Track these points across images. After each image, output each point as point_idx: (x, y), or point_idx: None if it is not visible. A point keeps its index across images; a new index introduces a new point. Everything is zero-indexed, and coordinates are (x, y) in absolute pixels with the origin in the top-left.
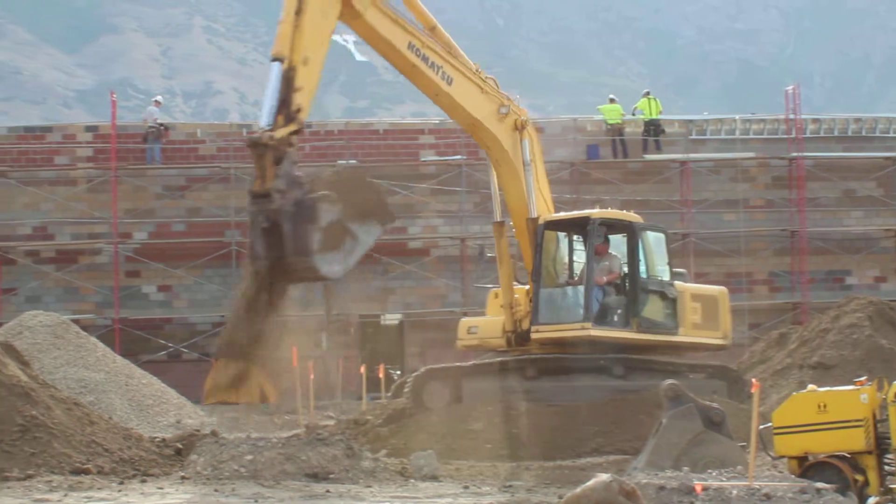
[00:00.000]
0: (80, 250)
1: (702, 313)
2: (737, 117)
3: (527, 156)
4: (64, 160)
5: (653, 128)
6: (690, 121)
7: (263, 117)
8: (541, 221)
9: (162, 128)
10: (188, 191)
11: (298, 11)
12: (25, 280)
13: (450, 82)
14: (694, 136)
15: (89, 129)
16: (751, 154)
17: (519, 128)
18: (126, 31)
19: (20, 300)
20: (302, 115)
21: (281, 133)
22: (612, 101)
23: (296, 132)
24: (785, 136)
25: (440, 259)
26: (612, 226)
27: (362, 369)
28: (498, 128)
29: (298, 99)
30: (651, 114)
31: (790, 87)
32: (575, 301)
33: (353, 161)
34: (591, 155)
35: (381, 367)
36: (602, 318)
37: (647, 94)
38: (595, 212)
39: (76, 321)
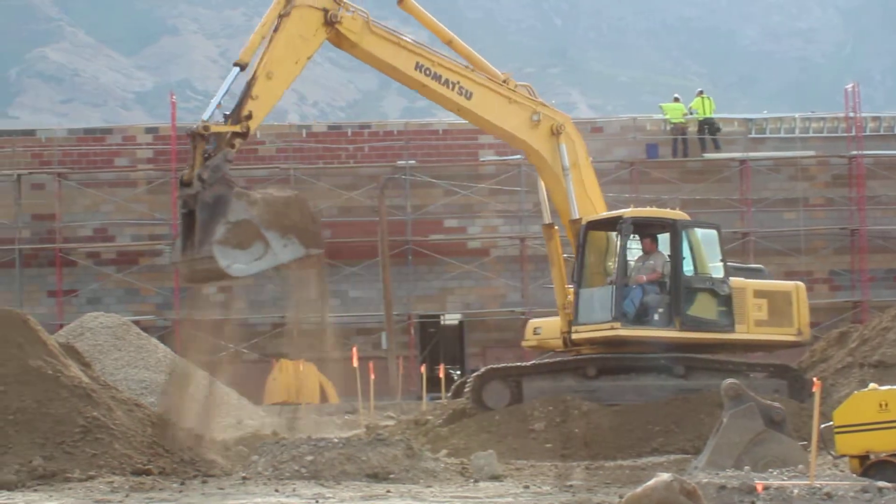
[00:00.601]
0: (140, 252)
1: (769, 309)
2: (796, 116)
3: (565, 161)
4: (124, 162)
5: (707, 126)
6: (750, 119)
7: (206, 111)
8: (583, 222)
9: None
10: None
11: (277, 28)
12: (86, 282)
13: (469, 97)
14: (753, 135)
15: (149, 130)
16: (810, 152)
17: (555, 133)
18: (185, 32)
19: (81, 302)
20: (251, 123)
21: (217, 128)
22: (675, 99)
23: (239, 135)
24: (844, 135)
25: (500, 259)
26: (652, 224)
27: (422, 369)
28: (531, 136)
29: (251, 106)
30: (705, 112)
31: (850, 85)
32: (607, 301)
33: (413, 162)
34: (651, 154)
35: (442, 367)
36: (641, 316)
37: (701, 92)
38: (628, 211)
39: (136, 322)
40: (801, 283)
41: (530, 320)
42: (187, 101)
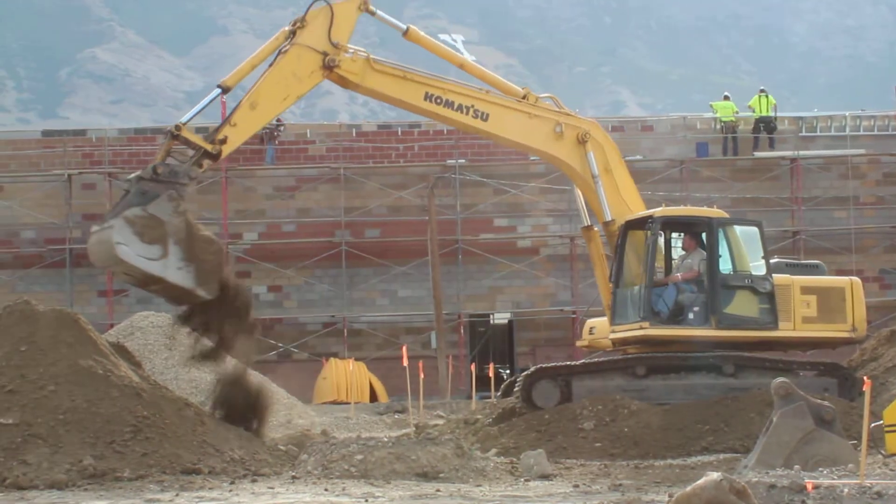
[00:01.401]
0: None
1: (819, 306)
2: (847, 114)
3: (594, 168)
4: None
5: (763, 125)
6: (800, 118)
7: (185, 116)
8: (621, 222)
9: (281, 127)
10: (298, 191)
11: (272, 63)
12: None
13: (486, 118)
14: (804, 133)
15: (199, 130)
16: (861, 151)
17: (581, 141)
18: (235, 32)
19: (131, 301)
20: (224, 147)
21: (187, 134)
22: (726, 98)
23: (209, 156)
24: (895, 133)
25: (549, 258)
26: (688, 223)
27: (472, 368)
28: (557, 148)
29: (228, 131)
30: (762, 111)
31: None
32: (636, 300)
33: (463, 161)
34: (701, 153)
35: (491, 367)
36: (675, 315)
37: (763, 91)
38: (658, 210)
39: None
40: (856, 279)
41: (588, 320)
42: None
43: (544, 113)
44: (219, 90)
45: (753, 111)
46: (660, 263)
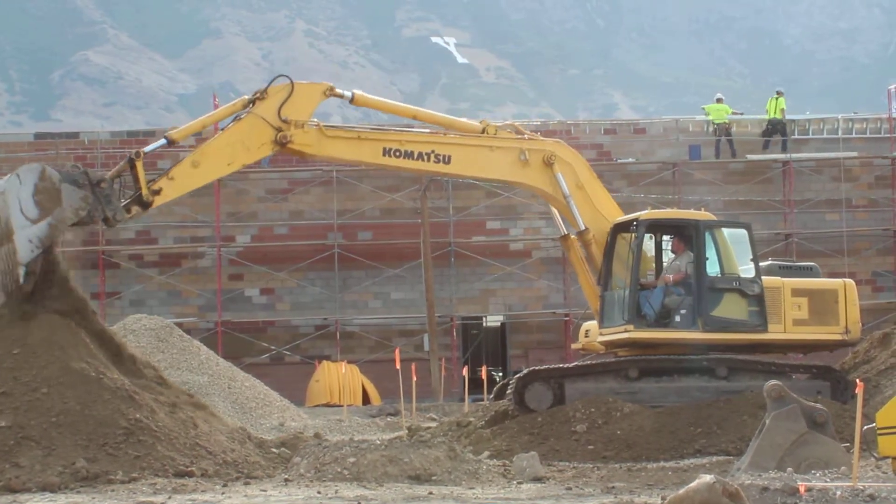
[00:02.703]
0: (183, 254)
1: (810, 308)
2: (839, 116)
3: (565, 188)
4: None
5: (770, 126)
6: (793, 120)
7: (150, 146)
8: (600, 229)
9: None
10: (291, 194)
11: (224, 128)
12: (129, 284)
13: (448, 161)
14: (796, 136)
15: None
16: (853, 153)
17: (548, 163)
18: (228, 35)
19: (124, 304)
20: (156, 198)
21: (140, 167)
22: (718, 100)
23: (140, 204)
24: (888, 135)
25: (542, 260)
26: (674, 225)
27: (465, 371)
28: (525, 175)
29: (164, 184)
30: (773, 113)
31: (892, 86)
32: (622, 303)
33: None
34: (693, 155)
35: (484, 369)
36: (662, 318)
37: (779, 93)
38: (644, 213)
39: (179, 324)
40: (850, 281)
41: (584, 323)
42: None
43: (505, 143)
44: (164, 140)
45: (767, 113)
46: (650, 266)
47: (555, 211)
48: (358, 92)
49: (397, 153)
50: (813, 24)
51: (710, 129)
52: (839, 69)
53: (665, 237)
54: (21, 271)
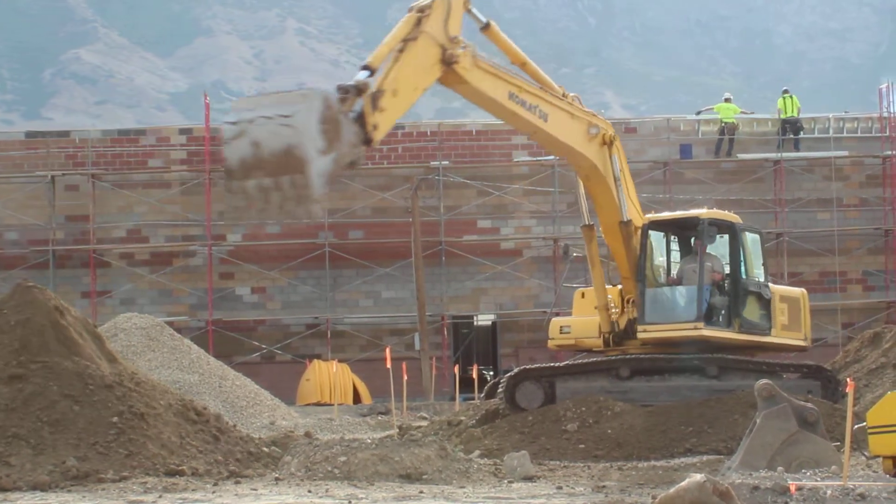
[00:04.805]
0: (174, 253)
1: (788, 314)
2: (830, 116)
3: (617, 171)
4: (157, 163)
5: (789, 125)
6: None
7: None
8: (645, 222)
9: None
10: None
11: (401, 49)
12: (120, 282)
13: (546, 119)
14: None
15: (183, 131)
16: (844, 153)
17: (607, 143)
18: (219, 33)
19: (115, 302)
20: (376, 134)
21: (368, 102)
22: (727, 100)
23: (366, 140)
24: (879, 135)
25: (533, 259)
26: (717, 226)
27: (455, 370)
28: (588, 148)
29: (378, 118)
30: (788, 112)
31: (884, 85)
32: (686, 300)
33: (446, 162)
34: (684, 154)
35: (475, 368)
36: (709, 318)
37: (786, 91)
38: (703, 212)
39: (170, 323)
40: (804, 290)
41: (553, 319)
42: (221, 102)
43: (581, 113)
44: (367, 71)
45: (781, 112)
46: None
47: (582, 197)
48: (493, 23)
49: (517, 99)
50: (804, 24)
51: (717, 127)
52: (830, 68)
53: (673, 237)
54: (316, 208)
